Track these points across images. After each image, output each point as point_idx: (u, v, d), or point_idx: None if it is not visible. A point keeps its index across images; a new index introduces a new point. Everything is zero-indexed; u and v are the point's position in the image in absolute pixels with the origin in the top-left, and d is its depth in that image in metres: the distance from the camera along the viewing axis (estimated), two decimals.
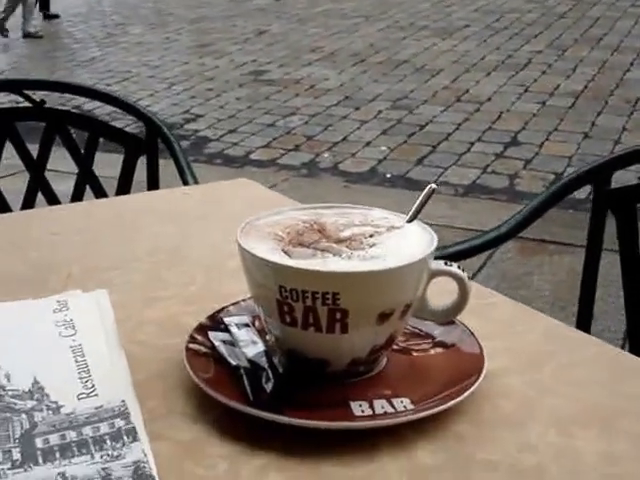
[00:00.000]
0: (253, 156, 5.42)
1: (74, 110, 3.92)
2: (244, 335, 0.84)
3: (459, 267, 0.79)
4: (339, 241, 0.78)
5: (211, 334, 0.85)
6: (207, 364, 0.80)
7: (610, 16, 9.68)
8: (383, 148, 5.48)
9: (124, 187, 1.84)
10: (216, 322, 0.87)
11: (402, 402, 0.75)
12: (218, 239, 1.14)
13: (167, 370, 0.83)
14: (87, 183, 1.89)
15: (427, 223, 0.81)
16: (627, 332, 1.46)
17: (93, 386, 0.79)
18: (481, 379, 0.77)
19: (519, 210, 1.45)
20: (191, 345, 0.82)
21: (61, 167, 2.03)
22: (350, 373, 0.78)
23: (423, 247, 0.78)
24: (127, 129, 1.93)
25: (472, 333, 0.85)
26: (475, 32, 9.17)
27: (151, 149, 1.83)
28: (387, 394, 0.76)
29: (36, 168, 1.90)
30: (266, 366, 0.79)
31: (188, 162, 1.77)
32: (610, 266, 1.51)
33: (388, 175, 4.99)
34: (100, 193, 1.88)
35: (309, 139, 5.73)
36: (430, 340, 0.85)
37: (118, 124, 2.25)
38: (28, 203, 1.88)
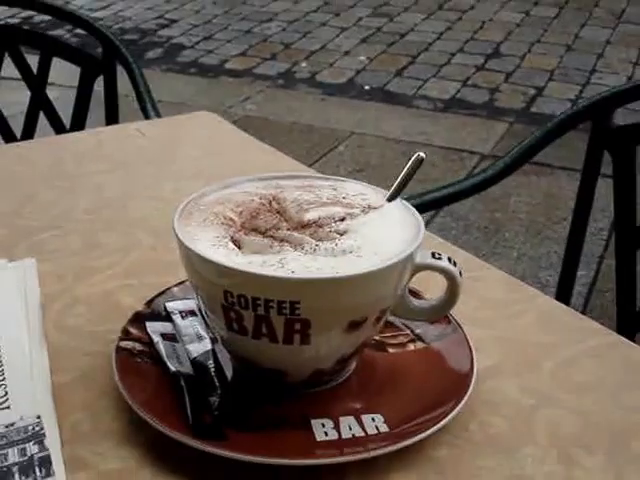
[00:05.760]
0: (228, 65, 5.16)
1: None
2: (189, 327, 0.71)
3: (450, 260, 0.65)
4: (302, 226, 0.64)
5: (149, 325, 0.71)
6: (142, 369, 0.67)
7: None
8: (362, 58, 5.24)
9: (79, 117, 1.68)
10: (156, 309, 0.74)
11: (374, 420, 0.62)
12: (169, 192, 1.01)
13: (96, 370, 0.69)
14: (40, 109, 1.74)
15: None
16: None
17: (6, 394, 0.66)
18: (469, 392, 0.64)
19: (512, 148, 1.31)
20: (123, 343, 0.69)
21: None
22: (312, 384, 0.66)
23: (406, 236, 0.63)
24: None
25: (459, 325, 0.72)
26: None
27: (108, 72, 1.67)
28: (356, 408, 0.64)
29: None
30: (212, 371, 0.66)
31: (149, 89, 1.61)
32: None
33: (367, 87, 4.77)
34: (54, 121, 1.72)
35: (286, 47, 5.47)
36: (408, 331, 0.73)
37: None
38: None
